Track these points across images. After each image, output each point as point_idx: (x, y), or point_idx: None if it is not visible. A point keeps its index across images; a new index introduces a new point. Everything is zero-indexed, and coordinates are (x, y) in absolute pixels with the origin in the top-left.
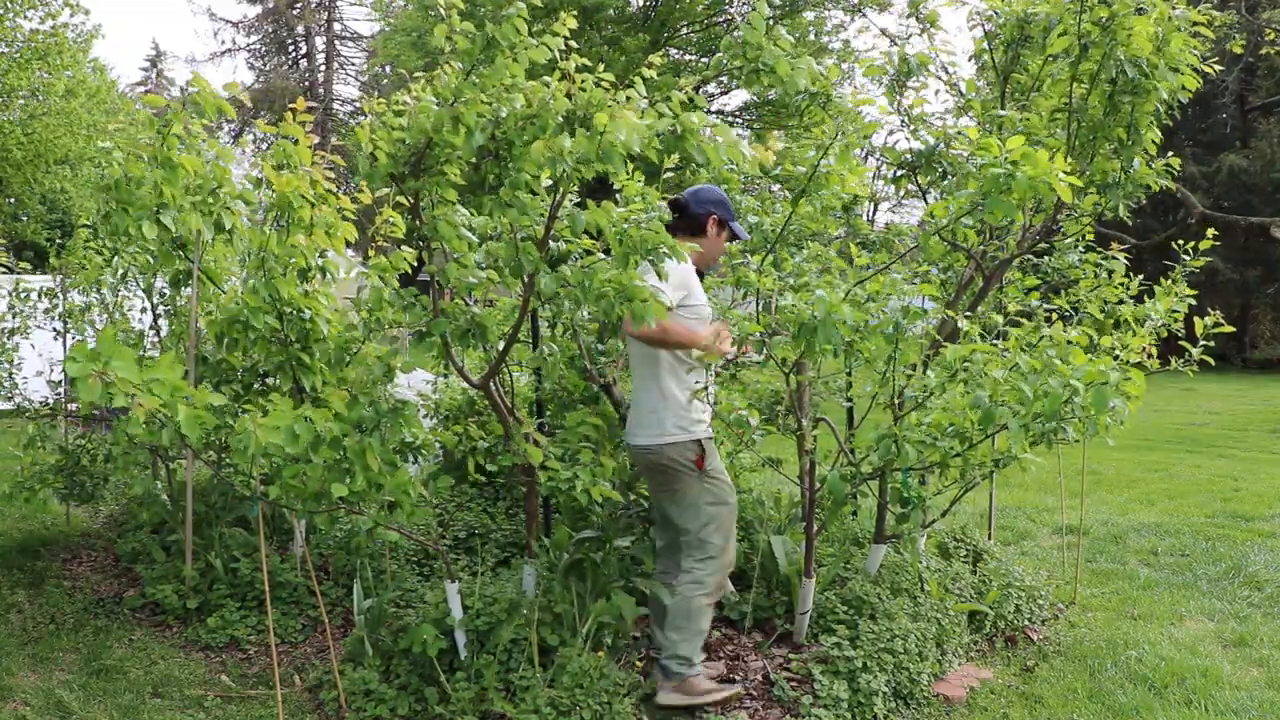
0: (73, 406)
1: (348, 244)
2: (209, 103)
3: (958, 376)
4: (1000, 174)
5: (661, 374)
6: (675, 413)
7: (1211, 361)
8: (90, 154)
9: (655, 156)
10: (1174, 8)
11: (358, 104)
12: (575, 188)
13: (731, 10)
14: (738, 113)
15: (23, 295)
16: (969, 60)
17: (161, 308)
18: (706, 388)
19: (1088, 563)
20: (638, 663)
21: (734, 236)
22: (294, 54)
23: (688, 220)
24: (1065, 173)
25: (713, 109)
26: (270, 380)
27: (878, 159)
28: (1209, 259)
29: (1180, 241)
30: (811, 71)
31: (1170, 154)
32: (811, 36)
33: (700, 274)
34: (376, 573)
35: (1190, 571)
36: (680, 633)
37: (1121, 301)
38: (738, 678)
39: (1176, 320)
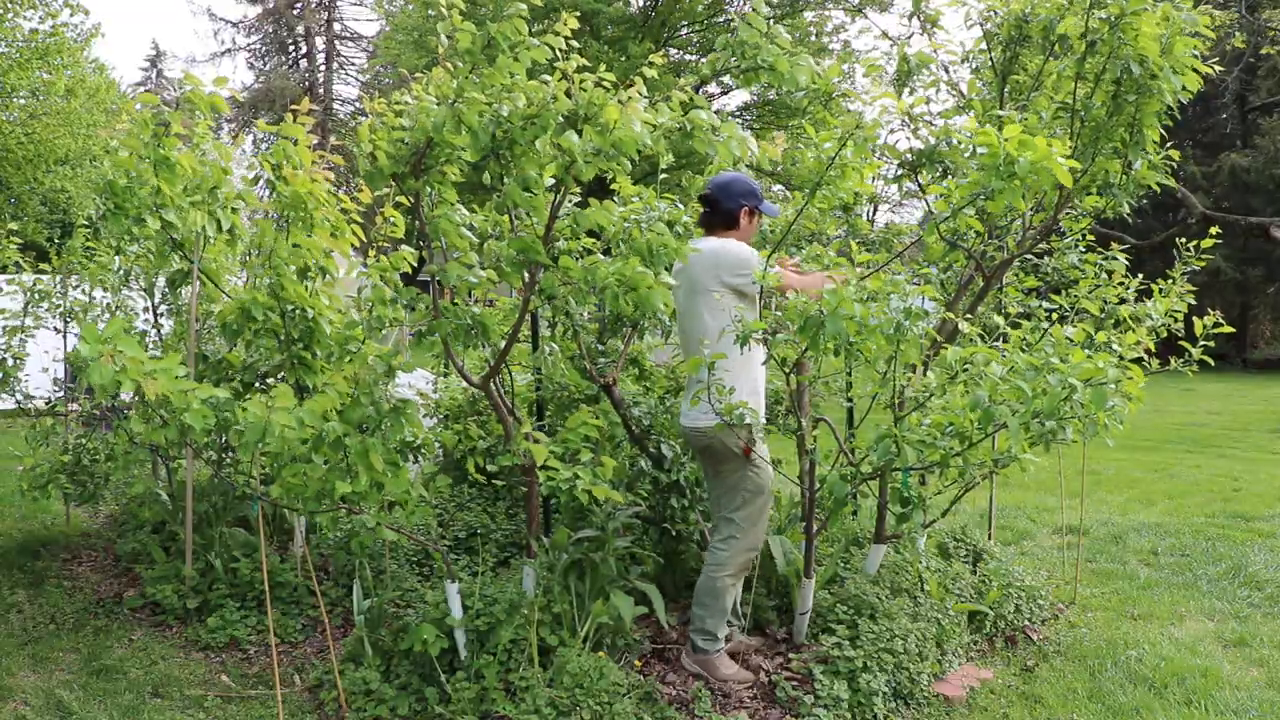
0: (74, 406)
1: (352, 246)
2: (202, 100)
3: (958, 378)
4: (1001, 162)
5: (730, 364)
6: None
7: (1211, 361)
8: (92, 153)
9: (664, 149)
10: (1178, 7)
11: (358, 104)
12: (576, 188)
13: (731, 10)
14: (737, 113)
15: (37, 296)
16: (962, 61)
17: (164, 306)
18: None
19: (1088, 563)
20: (637, 663)
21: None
22: (294, 54)
23: (721, 215)
24: (1064, 157)
25: (713, 109)
26: (270, 380)
27: (879, 158)
28: (1210, 257)
29: (1181, 240)
30: (810, 69)
31: (1169, 146)
32: (812, 37)
33: None
34: (376, 573)
35: (1190, 571)
36: (705, 609)
37: (1122, 301)
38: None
39: (1176, 320)
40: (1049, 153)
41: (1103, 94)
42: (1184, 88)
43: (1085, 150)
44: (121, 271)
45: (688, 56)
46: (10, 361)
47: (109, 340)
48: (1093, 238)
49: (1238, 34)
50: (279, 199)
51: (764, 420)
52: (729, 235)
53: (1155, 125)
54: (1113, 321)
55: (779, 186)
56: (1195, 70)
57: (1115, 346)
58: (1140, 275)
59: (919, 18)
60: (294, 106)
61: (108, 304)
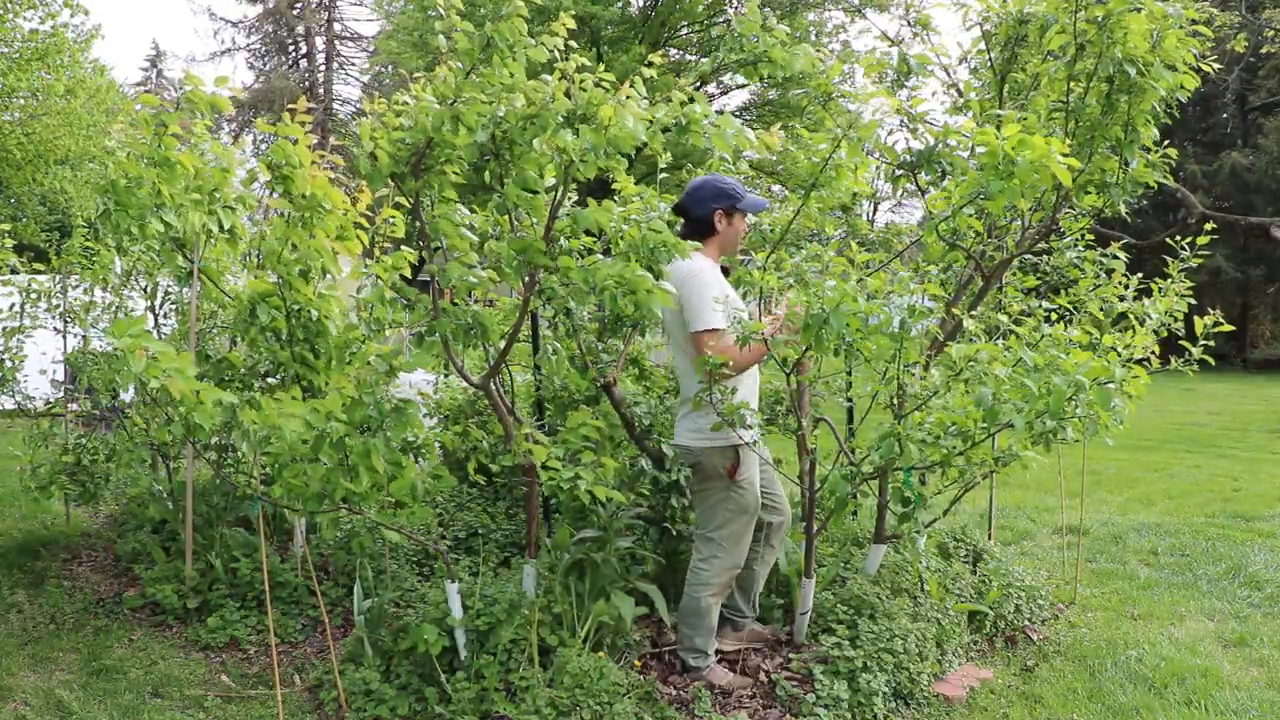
0: (74, 406)
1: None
2: (202, 100)
3: (962, 375)
4: (1000, 161)
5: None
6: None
7: (1211, 361)
8: (92, 153)
9: (660, 148)
10: (1170, 5)
11: (358, 104)
12: (575, 187)
13: (731, 10)
14: (737, 113)
15: (33, 296)
16: (959, 63)
17: (168, 305)
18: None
19: (1088, 563)
20: (637, 663)
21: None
22: (294, 54)
23: (695, 224)
24: (1062, 155)
25: (712, 109)
26: (270, 380)
27: (878, 158)
28: (1209, 256)
29: (1179, 238)
30: (809, 57)
31: (1166, 144)
32: (812, 36)
33: (725, 269)
34: (376, 573)
35: (1190, 571)
36: (692, 628)
37: (1122, 299)
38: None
39: (1176, 320)
40: (1048, 151)
41: (1096, 93)
42: (1182, 86)
43: (1082, 149)
44: (122, 271)
45: (688, 57)
46: (8, 363)
47: (135, 337)
48: (1092, 237)
49: (1239, 35)
50: (295, 200)
51: (756, 437)
52: (710, 244)
53: (1148, 123)
54: (1111, 320)
55: (778, 187)
56: (1193, 67)
57: (1120, 349)
58: (1140, 275)
59: (909, 23)
60: (291, 106)
61: (108, 304)
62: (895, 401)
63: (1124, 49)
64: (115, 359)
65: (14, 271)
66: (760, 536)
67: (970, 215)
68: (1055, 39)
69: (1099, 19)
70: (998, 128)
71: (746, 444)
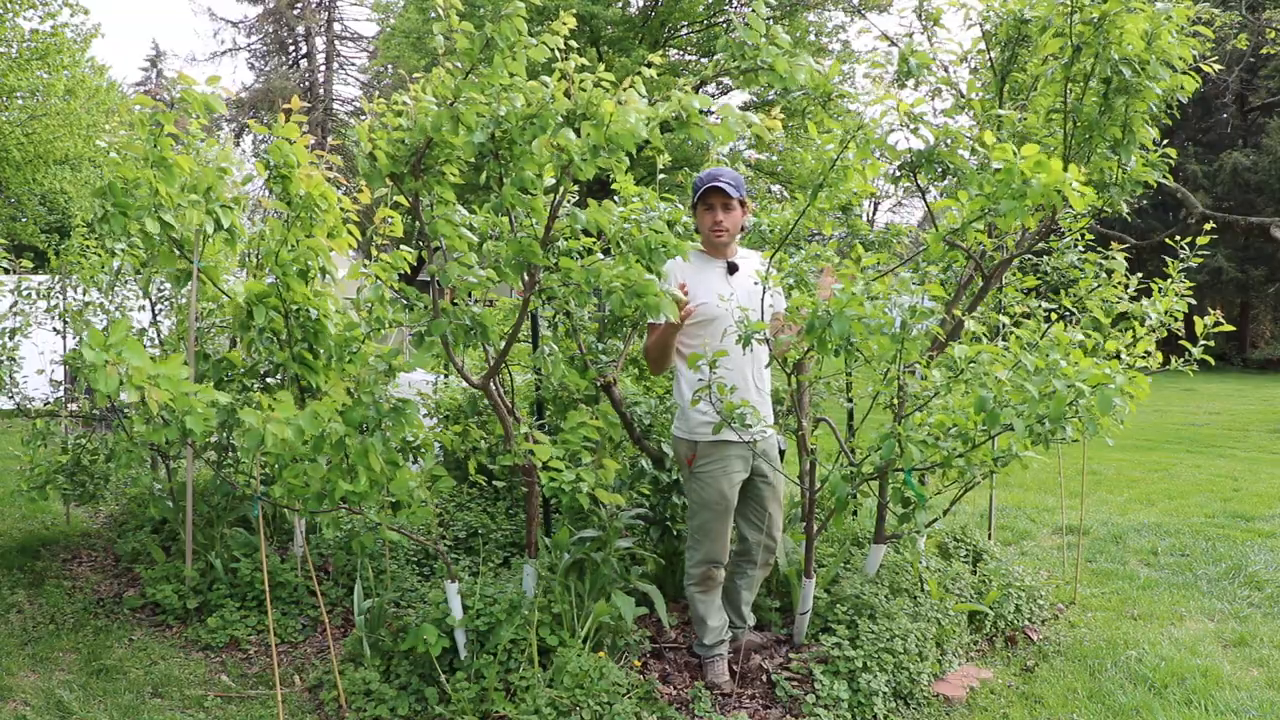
0: (73, 406)
1: (350, 247)
2: (196, 100)
3: (962, 375)
4: (1015, 181)
5: (677, 375)
6: (682, 412)
7: (1211, 361)
8: (90, 154)
9: (661, 145)
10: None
11: (358, 104)
12: (575, 187)
13: (731, 10)
14: None
15: (25, 294)
16: (959, 63)
17: (163, 305)
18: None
19: (1088, 563)
20: (637, 663)
21: (709, 203)
22: (294, 54)
23: None
24: (1079, 182)
25: (711, 110)
26: (270, 380)
27: (881, 157)
28: (1209, 256)
29: (1178, 238)
30: (810, 69)
31: (1166, 144)
32: (812, 37)
33: (734, 265)
34: (376, 573)
35: (1190, 571)
36: (691, 615)
37: (1121, 300)
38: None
39: (1176, 320)
40: (1063, 177)
41: (1093, 94)
42: (1181, 86)
43: (1080, 150)
44: (116, 270)
45: (687, 57)
46: (4, 361)
47: (113, 346)
48: (1092, 237)
49: (1241, 35)
50: (291, 200)
51: (711, 436)
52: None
53: (1144, 124)
54: (1111, 320)
55: (777, 186)
56: (1193, 67)
57: (1124, 356)
58: (1140, 275)
59: (920, 16)
60: (286, 106)
61: (102, 304)
62: (896, 402)
63: (1119, 49)
64: (92, 371)
65: (6, 271)
66: (744, 549)
67: (979, 230)
68: (1051, 44)
69: (1094, 19)
70: (998, 128)
71: (704, 440)
